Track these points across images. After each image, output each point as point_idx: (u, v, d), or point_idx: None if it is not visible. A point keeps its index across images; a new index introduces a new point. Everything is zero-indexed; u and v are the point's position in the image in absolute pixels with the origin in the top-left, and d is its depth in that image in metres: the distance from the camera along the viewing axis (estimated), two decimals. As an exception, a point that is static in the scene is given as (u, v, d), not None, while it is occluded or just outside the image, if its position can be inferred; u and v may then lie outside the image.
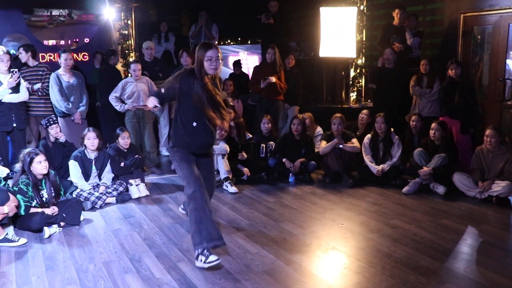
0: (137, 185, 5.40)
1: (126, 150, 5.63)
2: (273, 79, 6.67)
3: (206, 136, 3.66)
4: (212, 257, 3.46)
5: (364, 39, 7.40)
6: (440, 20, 7.34)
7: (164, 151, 7.46)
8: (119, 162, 5.44)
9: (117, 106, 6.20)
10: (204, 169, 3.76)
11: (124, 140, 5.59)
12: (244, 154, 5.96)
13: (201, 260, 3.48)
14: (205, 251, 3.47)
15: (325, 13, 6.87)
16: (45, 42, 8.46)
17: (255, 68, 7.15)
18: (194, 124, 3.55)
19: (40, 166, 4.38)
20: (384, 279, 3.33)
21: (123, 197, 5.21)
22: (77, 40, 8.92)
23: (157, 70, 7.06)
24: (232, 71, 8.26)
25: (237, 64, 8.12)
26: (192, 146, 3.64)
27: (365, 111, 6.57)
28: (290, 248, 3.89)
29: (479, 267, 3.52)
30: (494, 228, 4.33)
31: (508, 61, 6.71)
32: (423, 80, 6.47)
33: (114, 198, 5.16)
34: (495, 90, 6.76)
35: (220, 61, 3.54)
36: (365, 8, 7.34)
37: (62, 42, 8.91)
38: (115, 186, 5.28)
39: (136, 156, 5.62)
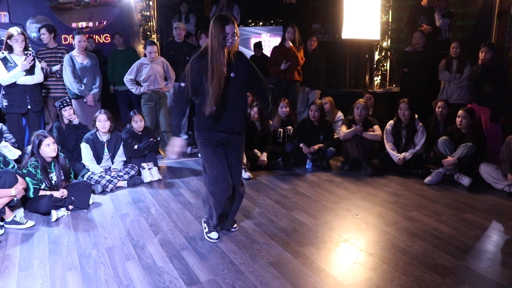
0: (149, 169, 5.30)
1: (140, 133, 5.53)
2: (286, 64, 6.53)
3: (231, 119, 3.41)
4: (214, 234, 3.68)
5: (390, 21, 7.05)
6: (473, 0, 6.90)
7: (182, 134, 7.33)
8: (132, 144, 5.35)
9: (133, 89, 6.09)
10: (232, 157, 3.56)
11: (137, 124, 5.48)
12: (265, 158, 5.64)
13: (205, 228, 3.76)
14: (211, 226, 3.72)
15: (349, -8, 6.56)
16: (74, 25, 8.44)
17: (274, 48, 6.92)
18: (213, 108, 3.29)
19: (48, 149, 4.31)
20: (397, 276, 3.12)
21: (135, 181, 5.13)
22: (104, 22, 8.89)
23: (186, 52, 6.92)
24: (253, 53, 8.04)
25: (258, 45, 7.90)
26: (216, 132, 3.42)
27: (367, 95, 6.27)
28: (300, 239, 3.71)
29: (502, 268, 3.27)
30: (521, 224, 4.05)
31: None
32: (452, 64, 6.11)
33: (126, 181, 5.08)
34: (530, 76, 6.33)
35: (237, 38, 3.27)
36: (392, -12, 6.99)
37: (91, 24, 8.89)
38: (126, 169, 5.18)
39: (151, 139, 5.51)
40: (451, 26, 6.69)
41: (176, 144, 3.45)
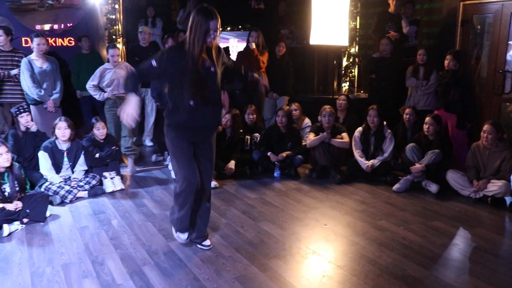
0: (111, 178, 5.09)
1: (102, 141, 5.31)
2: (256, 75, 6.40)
3: (207, 117, 3.26)
4: (182, 236, 3.58)
5: (358, 27, 7.04)
6: (439, 8, 6.99)
7: (148, 141, 7.15)
8: (93, 153, 5.13)
9: (96, 95, 5.85)
10: (203, 157, 3.42)
11: (99, 131, 5.26)
12: (233, 166, 5.50)
13: (174, 229, 3.62)
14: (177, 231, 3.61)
15: (317, -3, 6.52)
16: (38, 27, 8.12)
17: (239, 53, 6.81)
18: (191, 102, 3.14)
19: (1, 158, 4.06)
20: (366, 289, 3.04)
21: (96, 191, 4.91)
22: (69, 24, 8.60)
23: (151, 56, 6.72)
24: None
25: (226, 51, 7.77)
26: (189, 128, 3.25)
27: (342, 96, 6.26)
28: (267, 251, 3.59)
29: (470, 277, 3.23)
30: (488, 231, 4.03)
31: (510, 52, 6.39)
32: (419, 71, 6.14)
33: (86, 192, 4.86)
34: (494, 83, 6.42)
35: (218, 33, 3.14)
36: (359, -6, 6.99)
37: (55, 27, 8.59)
38: (87, 179, 4.97)
39: (113, 147, 5.30)
40: (418, 33, 6.73)
41: (131, 101, 3.11)
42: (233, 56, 7.91)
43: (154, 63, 3.16)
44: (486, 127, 4.78)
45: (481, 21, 6.76)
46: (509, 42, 6.28)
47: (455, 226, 4.13)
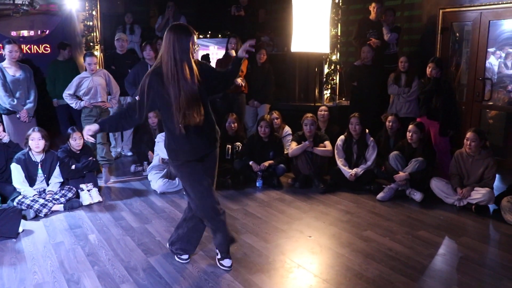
0: (88, 190, 4.91)
1: (78, 152, 5.14)
2: (239, 80, 6.36)
3: (203, 133, 3.10)
4: (227, 262, 3.42)
5: (339, 34, 7.01)
6: (419, 16, 7.01)
7: (126, 151, 6.97)
8: (69, 164, 4.95)
9: (73, 104, 5.67)
10: (209, 174, 3.28)
11: (75, 141, 5.09)
12: None
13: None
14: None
15: (298, 5, 6.44)
16: (13, 33, 7.89)
17: (218, 61, 6.70)
18: (181, 130, 2.99)
19: (-30, 171, 3.87)
20: (353, 304, 2.94)
21: (72, 204, 4.72)
22: (46, 31, 8.39)
23: (128, 64, 6.58)
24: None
25: (206, 58, 7.67)
26: (188, 154, 3.11)
27: (323, 107, 6.21)
28: (250, 266, 3.47)
29: (458, 289, 3.17)
30: (473, 240, 3.99)
31: (489, 59, 6.44)
32: (401, 78, 6.13)
33: (62, 205, 4.67)
34: (474, 90, 6.46)
35: (197, 48, 3.07)
36: (340, 2, 6.94)
37: (32, 33, 8.37)
38: (63, 192, 4.78)
39: (90, 158, 5.13)
40: (399, 40, 6.73)
41: (91, 127, 3.02)
42: (214, 63, 7.82)
43: (136, 97, 2.99)
44: (469, 134, 4.76)
45: (460, 29, 6.81)
46: (488, 50, 6.33)
47: (441, 235, 4.08)
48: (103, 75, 5.80)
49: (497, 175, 4.93)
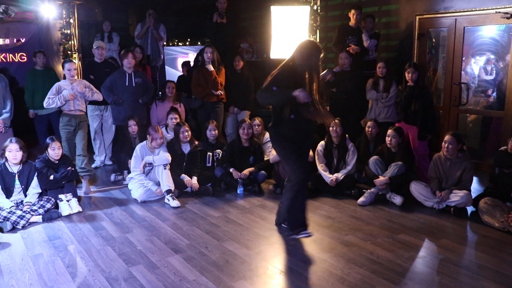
0: (68, 201, 4.84)
1: (57, 162, 5.06)
2: (220, 92, 6.42)
3: (305, 125, 3.98)
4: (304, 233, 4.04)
5: (318, 41, 7.06)
6: (396, 22, 7.12)
7: (106, 160, 6.89)
8: (47, 175, 4.87)
9: (55, 101, 5.47)
10: (305, 152, 4.19)
11: (54, 151, 5.01)
12: (195, 181, 5.36)
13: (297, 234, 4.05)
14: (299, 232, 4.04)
15: (277, 12, 6.49)
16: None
17: (195, 71, 6.67)
18: (292, 116, 3.85)
19: None
20: (336, 309, 2.95)
21: (51, 215, 4.64)
22: (22, 39, 8.28)
23: (107, 73, 6.52)
24: (181, 73, 7.78)
25: (187, 65, 7.66)
26: (293, 135, 3.97)
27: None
28: (233, 273, 3.46)
29: (439, 291, 3.21)
30: (452, 242, 4.05)
31: (469, 65, 6.58)
32: (379, 83, 6.19)
33: (40, 216, 4.59)
34: (451, 94, 6.58)
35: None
36: (319, 8, 7.01)
37: (7, 41, 8.26)
38: (41, 202, 4.70)
39: (69, 168, 5.05)
40: (378, 46, 6.82)
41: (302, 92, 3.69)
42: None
43: (274, 88, 3.80)
44: (447, 137, 4.84)
45: (437, 35, 6.93)
46: (468, 55, 6.46)
47: (421, 238, 4.13)
48: (83, 84, 5.72)
49: (474, 178, 5.02)
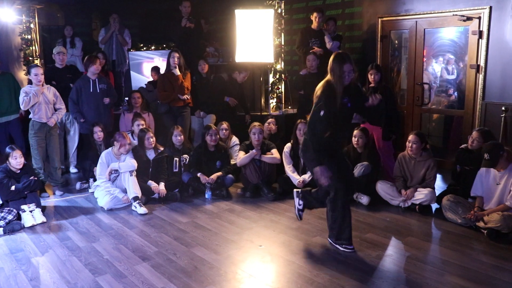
0: (31, 211, 4.70)
1: (18, 172, 4.92)
2: (186, 97, 6.40)
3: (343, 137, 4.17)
4: (350, 247, 3.88)
5: (283, 44, 7.12)
6: (359, 24, 7.24)
7: (72, 168, 6.74)
8: (8, 185, 4.73)
9: (26, 99, 5.30)
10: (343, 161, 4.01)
11: (16, 160, 4.88)
12: (163, 187, 5.31)
13: (340, 245, 3.92)
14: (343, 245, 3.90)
15: (241, 16, 6.50)
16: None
17: (161, 76, 6.61)
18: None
19: None
20: (305, 311, 2.97)
21: (13, 227, 4.49)
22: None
23: (69, 78, 6.37)
24: (150, 79, 7.68)
25: (155, 69, 7.55)
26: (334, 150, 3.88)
27: (272, 119, 6.30)
28: (202, 279, 3.43)
29: (406, 287, 3.27)
30: (418, 239, 4.14)
31: (431, 65, 6.74)
32: (343, 85, 6.26)
33: (1, 228, 4.44)
34: (414, 94, 6.73)
35: (354, 73, 3.69)
36: (283, 12, 7.06)
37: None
38: (2, 214, 4.54)
39: (32, 178, 4.92)
40: (341, 48, 6.91)
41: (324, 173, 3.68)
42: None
43: (322, 113, 3.64)
44: (410, 137, 4.95)
45: (399, 36, 7.09)
46: (429, 56, 6.62)
47: (388, 237, 4.20)
48: (52, 92, 5.58)
49: (438, 175, 5.15)
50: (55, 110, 5.64)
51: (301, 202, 4.23)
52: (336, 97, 3.63)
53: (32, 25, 7.54)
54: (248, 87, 7.37)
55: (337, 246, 3.92)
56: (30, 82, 5.74)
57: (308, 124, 3.82)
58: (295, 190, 4.38)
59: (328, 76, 3.73)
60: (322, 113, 3.63)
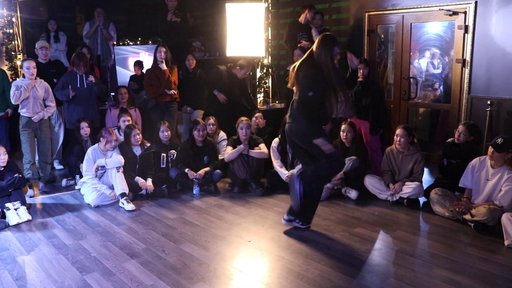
0: (16, 209, 4.62)
1: (2, 169, 4.83)
2: (173, 92, 6.34)
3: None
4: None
5: (270, 38, 7.09)
6: (346, 19, 7.24)
7: (57, 164, 6.64)
8: (-9, 183, 4.64)
9: (16, 94, 5.21)
10: None
11: (0, 157, 4.79)
12: (151, 183, 5.27)
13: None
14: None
15: (231, 9, 6.45)
16: None
17: (148, 71, 6.53)
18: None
19: None
20: (295, 306, 2.96)
21: (-3, 225, 4.43)
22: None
23: (53, 73, 6.26)
24: (133, 73, 7.59)
25: (139, 64, 7.47)
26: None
27: (259, 114, 6.24)
28: (191, 276, 3.41)
29: (395, 281, 3.28)
30: (406, 233, 4.16)
31: (417, 60, 6.77)
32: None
33: (-15, 227, 4.37)
34: (401, 89, 6.76)
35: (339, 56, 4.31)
36: (270, 6, 7.02)
37: None
38: (-14, 212, 4.48)
39: (16, 175, 4.82)
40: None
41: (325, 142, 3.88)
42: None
43: (310, 93, 3.84)
44: (398, 131, 4.97)
45: (385, 31, 7.11)
46: (415, 50, 6.65)
47: (376, 231, 4.22)
48: (43, 87, 5.48)
49: (425, 169, 5.18)
50: (45, 106, 5.54)
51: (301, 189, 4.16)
52: (325, 78, 3.81)
53: (14, 19, 7.39)
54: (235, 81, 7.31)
55: (297, 221, 4.19)
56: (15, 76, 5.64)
57: (298, 102, 3.95)
58: (292, 173, 4.43)
59: (314, 57, 3.91)
60: (310, 93, 3.83)
